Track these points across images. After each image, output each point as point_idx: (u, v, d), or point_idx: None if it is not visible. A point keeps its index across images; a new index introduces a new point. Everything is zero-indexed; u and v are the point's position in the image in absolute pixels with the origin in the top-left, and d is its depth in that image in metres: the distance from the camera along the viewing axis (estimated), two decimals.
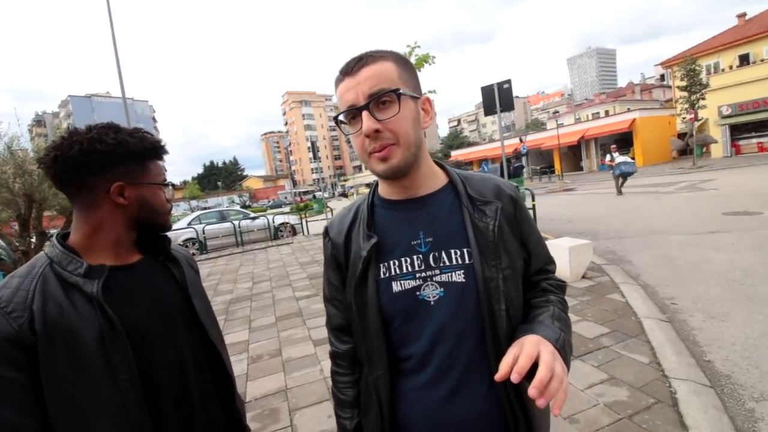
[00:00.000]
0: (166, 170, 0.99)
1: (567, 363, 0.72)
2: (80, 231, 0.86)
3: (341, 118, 0.79)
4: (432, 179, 0.87)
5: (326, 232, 0.94)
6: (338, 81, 0.79)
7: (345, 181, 76.71)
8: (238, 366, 3.54)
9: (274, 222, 13.43)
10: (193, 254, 10.30)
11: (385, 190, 0.89)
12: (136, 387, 0.79)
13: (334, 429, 0.98)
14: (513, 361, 0.65)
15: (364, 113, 0.74)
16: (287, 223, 13.88)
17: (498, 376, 0.65)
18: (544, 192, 17.83)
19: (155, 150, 0.92)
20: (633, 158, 14.63)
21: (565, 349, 0.73)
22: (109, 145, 0.83)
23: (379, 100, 0.74)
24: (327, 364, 3.15)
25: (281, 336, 4.24)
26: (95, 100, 68.43)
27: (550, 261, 0.96)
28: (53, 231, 5.81)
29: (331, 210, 15.18)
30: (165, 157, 0.97)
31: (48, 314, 0.74)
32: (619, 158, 12.68)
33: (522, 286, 0.87)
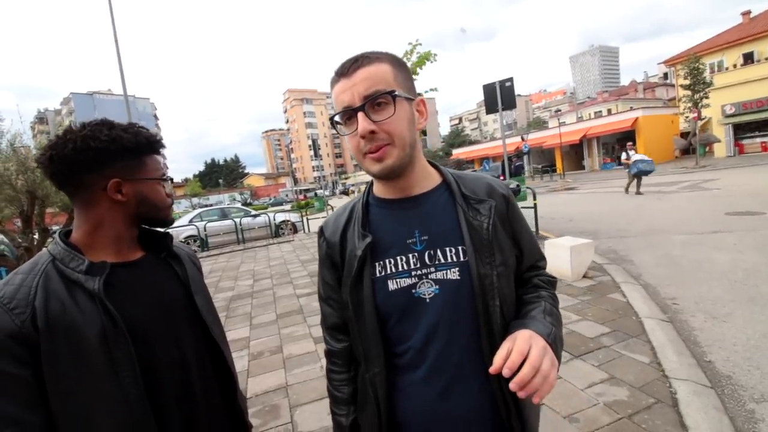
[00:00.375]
0: (167, 166, 0.98)
1: (558, 356, 0.75)
2: (81, 228, 0.86)
3: (337, 118, 0.80)
4: (426, 179, 0.88)
5: (321, 232, 0.95)
6: (334, 82, 0.79)
7: (346, 179, 76.69)
8: (239, 363, 3.56)
9: (275, 220, 13.45)
10: (195, 251, 10.30)
11: (380, 190, 0.90)
12: (139, 384, 0.79)
13: None
14: (507, 355, 0.68)
15: (360, 114, 0.75)
16: (288, 220, 13.91)
17: (492, 369, 0.68)
18: (545, 191, 17.79)
19: (151, 144, 0.91)
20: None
21: (556, 344, 0.76)
22: (103, 142, 0.82)
23: (374, 102, 0.75)
24: None
25: (282, 333, 4.25)
26: (97, 98, 68.48)
27: (541, 257, 0.98)
28: (56, 228, 5.84)
29: (332, 208, 15.21)
30: (164, 152, 0.96)
31: (50, 311, 0.74)
32: (636, 156, 11.89)
33: (514, 282, 0.89)
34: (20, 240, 5.48)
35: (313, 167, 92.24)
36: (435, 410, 0.82)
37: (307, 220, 13.92)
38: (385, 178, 0.82)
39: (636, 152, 12.20)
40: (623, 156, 12.54)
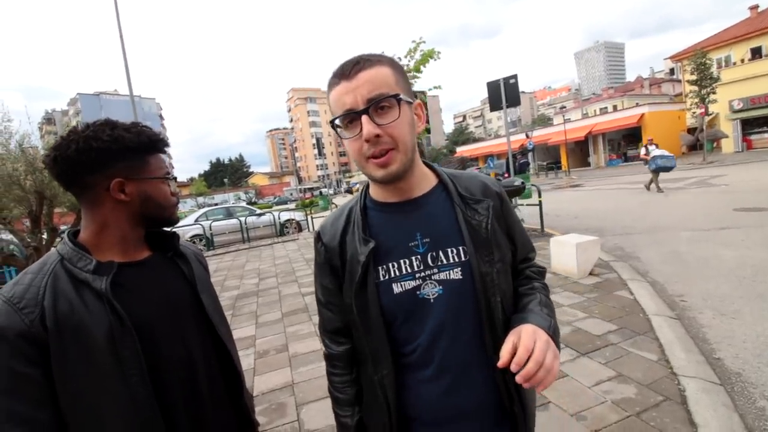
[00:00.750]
0: (172, 165, 0.98)
1: (557, 346, 0.79)
2: (88, 229, 0.86)
3: (337, 122, 0.79)
4: (424, 180, 0.89)
5: (318, 237, 0.94)
6: (333, 84, 0.78)
7: (350, 177, 76.72)
8: (246, 361, 3.58)
9: (279, 218, 13.49)
10: (201, 250, 10.32)
11: (378, 193, 0.89)
12: (146, 383, 0.80)
13: None
14: (512, 349, 0.72)
15: (364, 117, 0.74)
16: (293, 219, 13.95)
17: (500, 364, 0.71)
18: (550, 188, 17.71)
19: (154, 143, 0.91)
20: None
21: (555, 335, 0.81)
22: (105, 142, 0.82)
23: (378, 105, 0.75)
24: None
25: (287, 331, 4.27)
26: (103, 98, 68.98)
27: (532, 249, 1.02)
28: (64, 227, 5.88)
29: (336, 206, 15.23)
30: (169, 152, 0.97)
31: (59, 310, 0.75)
32: (656, 151, 11.28)
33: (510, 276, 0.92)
34: (29, 240, 5.52)
35: (317, 166, 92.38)
36: (443, 405, 0.84)
37: (312, 218, 13.96)
38: (388, 183, 0.82)
39: (657, 147, 11.51)
40: (642, 151, 11.89)
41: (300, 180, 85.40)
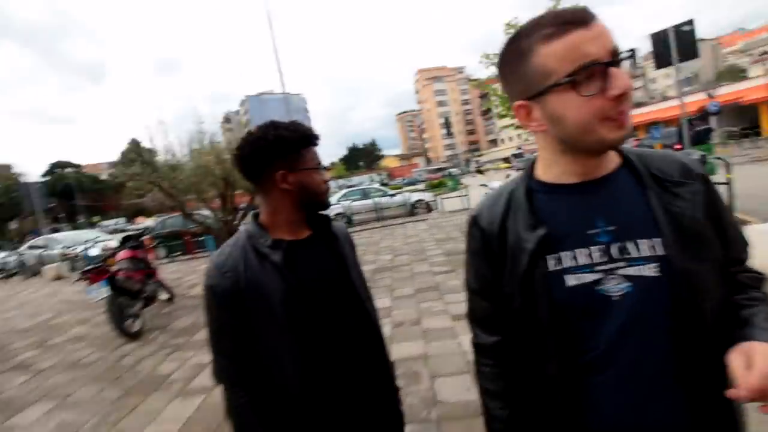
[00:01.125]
0: (319, 156, 1.11)
1: None
2: (265, 212, 1.07)
3: (561, 79, 0.66)
4: (608, 158, 0.76)
5: (474, 222, 0.88)
6: (558, 33, 0.65)
7: (479, 156, 74.09)
8: (383, 329, 3.89)
9: (410, 199, 14.07)
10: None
11: (550, 173, 0.79)
12: (311, 338, 0.98)
13: (473, 401, 0.98)
14: (748, 373, 0.60)
15: (617, 70, 0.64)
16: (422, 200, 14.44)
17: (736, 393, 0.60)
18: (744, 160, 13.87)
19: (307, 138, 1.05)
20: None
21: None
22: (271, 141, 0.99)
23: (620, 59, 0.66)
24: (465, 339, 3.15)
25: (420, 307, 4.47)
26: (263, 98, 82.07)
27: (746, 249, 0.82)
28: (242, 205, 7.36)
29: (466, 187, 14.90)
30: (317, 143, 1.10)
31: (248, 276, 0.96)
32: None
33: (719, 279, 0.74)
34: (220, 216, 7.08)
35: (445, 146, 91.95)
36: (623, 421, 0.74)
37: (441, 199, 14.16)
38: (610, 148, 0.73)
39: None
40: None
41: (428, 161, 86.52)
